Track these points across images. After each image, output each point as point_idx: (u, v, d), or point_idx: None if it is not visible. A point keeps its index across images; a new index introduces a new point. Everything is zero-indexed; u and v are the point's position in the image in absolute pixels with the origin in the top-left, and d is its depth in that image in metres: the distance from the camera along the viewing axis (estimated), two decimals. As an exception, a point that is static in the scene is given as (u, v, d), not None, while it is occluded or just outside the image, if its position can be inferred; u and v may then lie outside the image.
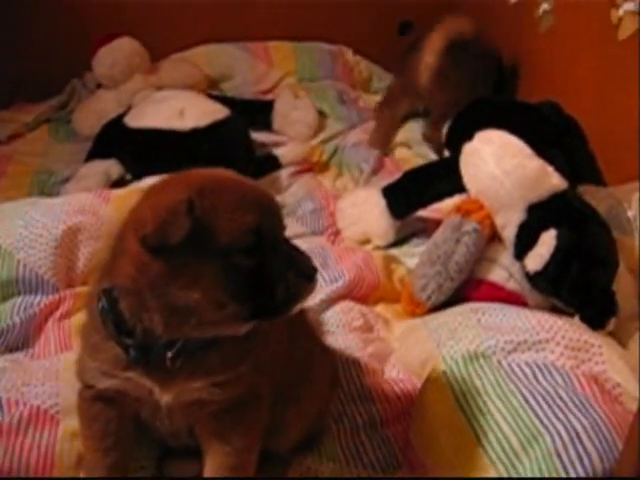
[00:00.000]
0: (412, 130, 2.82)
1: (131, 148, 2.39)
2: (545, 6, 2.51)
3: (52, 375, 1.39)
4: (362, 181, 2.50)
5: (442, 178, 1.98)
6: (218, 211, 0.98)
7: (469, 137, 2.01)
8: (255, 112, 2.82)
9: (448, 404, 1.37)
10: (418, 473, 1.36)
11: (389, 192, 2.08)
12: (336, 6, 3.32)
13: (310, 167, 2.60)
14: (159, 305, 1.00)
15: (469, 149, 1.82)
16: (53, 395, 1.33)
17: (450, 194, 1.99)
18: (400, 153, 2.76)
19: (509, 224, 1.70)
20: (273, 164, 2.52)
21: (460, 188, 1.94)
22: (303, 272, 1.03)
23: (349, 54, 3.34)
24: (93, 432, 1.17)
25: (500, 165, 1.70)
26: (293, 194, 2.42)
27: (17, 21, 3.03)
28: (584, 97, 2.40)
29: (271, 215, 1.04)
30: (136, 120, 2.41)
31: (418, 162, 2.61)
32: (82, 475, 1.23)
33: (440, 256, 1.69)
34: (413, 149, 2.74)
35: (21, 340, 1.65)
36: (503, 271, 1.71)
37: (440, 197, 2.01)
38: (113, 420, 1.15)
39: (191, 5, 3.19)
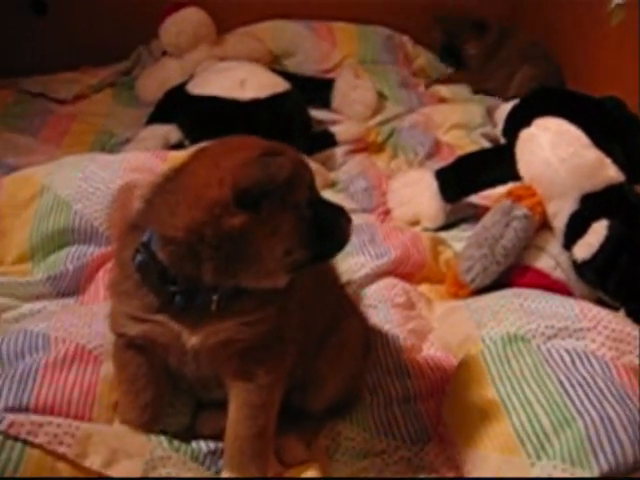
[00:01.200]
0: (472, 112, 2.81)
1: (191, 114, 2.43)
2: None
3: (99, 319, 1.43)
4: (416, 164, 2.50)
5: (496, 165, 1.97)
6: (290, 168, 1.08)
7: (527, 125, 2.01)
8: (315, 89, 2.83)
9: (483, 383, 1.38)
10: (447, 449, 1.37)
11: (442, 175, 2.08)
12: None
13: (365, 147, 2.60)
14: (219, 255, 1.06)
15: (526, 135, 1.81)
16: (98, 337, 1.37)
17: (503, 182, 1.97)
18: (456, 136, 2.74)
19: (561, 213, 1.68)
20: (329, 141, 2.53)
21: (514, 176, 1.93)
22: (346, 216, 1.16)
23: (409, 45, 3.35)
24: (126, 376, 1.24)
25: (556, 152, 1.68)
26: (346, 172, 2.43)
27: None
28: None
29: (312, 173, 1.17)
30: (198, 87, 2.45)
31: (472, 150, 2.61)
32: (117, 418, 1.27)
33: (488, 239, 1.68)
34: (470, 135, 2.72)
35: (72, 287, 1.71)
36: (550, 259, 1.69)
37: (493, 184, 2.00)
38: (144, 365, 1.22)
39: (259, -20, 3.22)
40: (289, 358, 1.21)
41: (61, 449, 1.07)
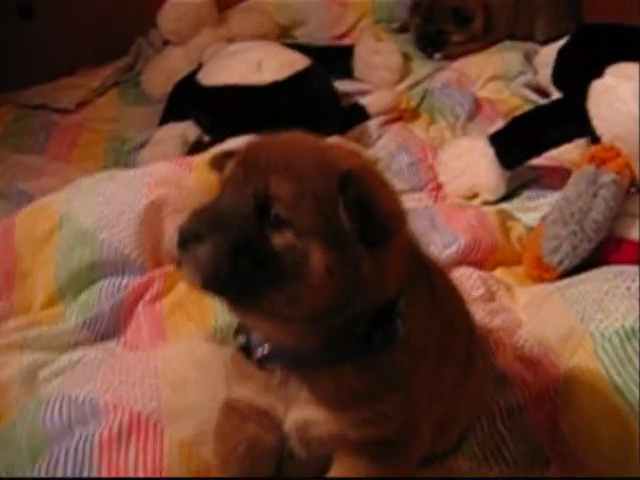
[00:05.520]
0: (509, 60, 2.57)
1: (207, 108, 2.22)
2: None
3: (150, 373, 1.25)
4: (459, 128, 2.27)
5: (559, 122, 1.75)
6: None
7: (583, 71, 1.78)
8: (334, 59, 2.59)
9: (605, 390, 1.18)
10: (573, 470, 1.17)
11: (497, 139, 1.86)
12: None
13: (399, 115, 2.36)
14: None
15: (601, 87, 1.57)
16: (154, 398, 1.18)
17: (569, 139, 1.77)
18: (495, 89, 2.51)
19: (653, 173, 1.47)
20: (360, 115, 2.30)
21: (580, 132, 1.72)
22: None
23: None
24: (220, 451, 1.06)
25: (643, 104, 1.46)
26: (384, 146, 2.20)
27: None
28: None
29: None
30: (210, 77, 2.23)
31: (515, 103, 2.39)
32: None
33: (574, 214, 1.46)
34: (510, 86, 2.48)
35: (111, 327, 1.51)
36: (647, 228, 1.48)
37: (557, 143, 1.78)
38: (242, 444, 1.03)
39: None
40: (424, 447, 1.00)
41: None
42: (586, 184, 1.47)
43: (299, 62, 2.24)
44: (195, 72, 2.37)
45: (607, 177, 1.46)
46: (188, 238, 0.78)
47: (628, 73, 1.52)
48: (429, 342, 0.96)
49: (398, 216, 0.86)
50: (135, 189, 1.65)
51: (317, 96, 2.20)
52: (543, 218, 1.65)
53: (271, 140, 0.88)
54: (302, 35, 2.93)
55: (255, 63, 2.19)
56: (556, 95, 2.23)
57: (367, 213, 0.79)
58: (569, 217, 1.47)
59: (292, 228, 0.79)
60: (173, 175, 1.70)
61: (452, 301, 1.11)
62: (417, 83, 2.57)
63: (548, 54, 2.34)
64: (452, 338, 1.04)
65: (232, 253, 0.77)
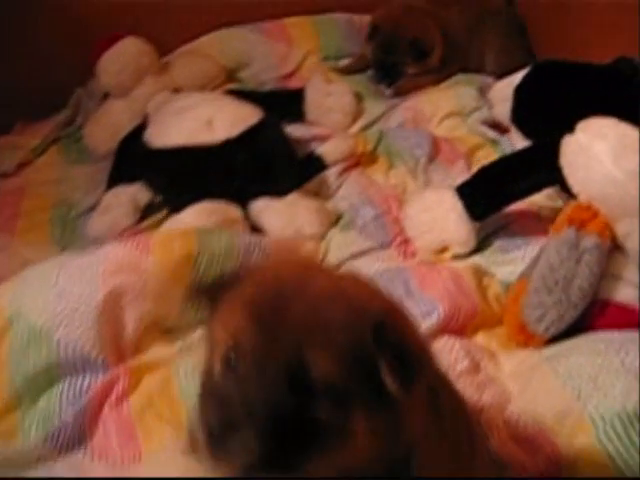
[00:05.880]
0: (464, 95, 2.51)
1: (158, 171, 2.10)
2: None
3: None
4: (420, 172, 2.20)
5: (528, 172, 1.70)
6: None
7: (544, 110, 1.88)
8: (285, 104, 2.49)
9: (611, 476, 1.13)
10: None
11: (466, 192, 1.79)
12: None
13: (357, 161, 2.28)
14: None
15: (573, 145, 1.51)
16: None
17: (539, 189, 1.72)
18: (451, 127, 2.45)
19: (634, 232, 1.41)
20: (317, 166, 2.21)
21: (550, 181, 1.69)
22: None
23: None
24: None
25: (621, 166, 1.40)
26: (345, 197, 2.12)
27: (4, 34, 2.72)
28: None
29: None
30: (159, 138, 2.11)
31: (474, 141, 2.35)
32: None
33: (558, 282, 1.40)
34: (466, 122, 2.43)
35: (76, 437, 1.40)
36: (631, 288, 1.43)
37: (527, 193, 1.74)
38: None
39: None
40: None
41: None
42: (568, 249, 1.41)
43: (251, 116, 2.14)
44: (141, 128, 2.25)
45: (589, 241, 1.40)
46: (221, 432, 0.71)
47: (601, 130, 1.47)
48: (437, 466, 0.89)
49: (427, 352, 0.84)
50: (90, 280, 1.53)
51: (272, 151, 2.10)
52: (521, 275, 1.59)
53: (282, 285, 0.80)
54: (248, 77, 2.83)
55: (205, 120, 2.08)
56: (514, 132, 2.20)
57: (405, 363, 0.75)
58: (553, 285, 1.41)
59: (332, 396, 0.73)
60: (130, 259, 1.58)
61: (448, 392, 1.05)
62: (371, 124, 2.50)
63: (503, 89, 2.30)
64: (457, 439, 0.99)
65: (272, 435, 0.71)
